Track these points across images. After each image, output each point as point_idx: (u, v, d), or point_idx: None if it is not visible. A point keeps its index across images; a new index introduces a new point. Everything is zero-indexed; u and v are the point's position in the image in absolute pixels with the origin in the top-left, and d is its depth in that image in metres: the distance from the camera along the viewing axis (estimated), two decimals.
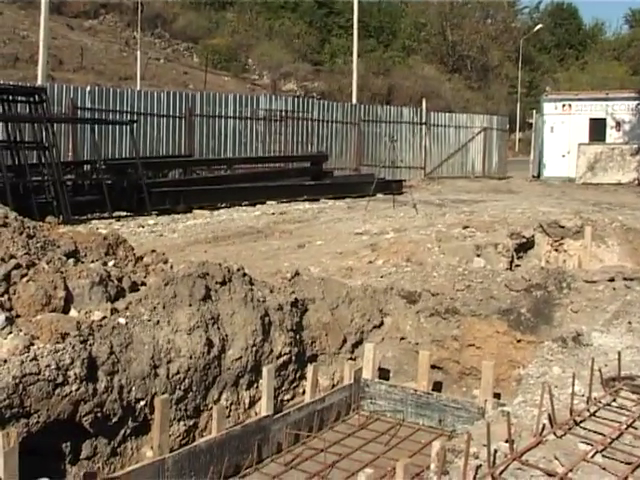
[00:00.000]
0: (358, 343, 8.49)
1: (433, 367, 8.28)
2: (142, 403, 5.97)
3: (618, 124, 35.54)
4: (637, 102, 35.36)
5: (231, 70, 57.61)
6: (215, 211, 17.79)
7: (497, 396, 7.63)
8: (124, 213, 16.59)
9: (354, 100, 35.54)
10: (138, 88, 35.56)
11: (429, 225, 14.33)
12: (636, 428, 5.30)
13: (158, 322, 6.41)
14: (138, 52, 43.96)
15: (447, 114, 35.99)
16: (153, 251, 8.38)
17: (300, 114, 28.55)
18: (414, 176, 30.78)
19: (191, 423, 6.46)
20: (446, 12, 70.74)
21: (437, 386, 8.39)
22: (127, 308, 6.40)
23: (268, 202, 19.42)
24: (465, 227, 13.69)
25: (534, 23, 70.53)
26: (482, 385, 7.48)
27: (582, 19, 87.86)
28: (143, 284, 7.08)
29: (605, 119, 35.60)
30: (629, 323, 8.42)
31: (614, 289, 10.36)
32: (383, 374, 8.43)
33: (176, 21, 60.07)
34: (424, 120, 33.13)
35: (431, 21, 71.69)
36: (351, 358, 8.36)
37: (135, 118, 22.28)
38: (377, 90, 54.96)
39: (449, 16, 70.50)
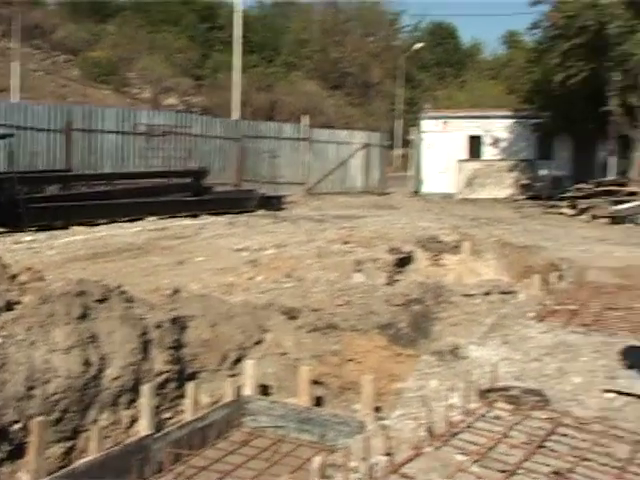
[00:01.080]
0: (239, 360, 8.48)
1: (314, 382, 8.33)
2: (17, 426, 5.84)
3: (495, 141, 36.58)
4: (513, 120, 36.48)
5: (112, 84, 56.70)
6: (94, 227, 17.49)
7: (378, 410, 7.73)
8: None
9: (236, 116, 35.50)
10: (15, 100, 34.76)
11: (309, 241, 14.42)
12: (511, 437, 5.46)
13: (34, 342, 6.28)
14: (15, 63, 42.92)
15: (328, 130, 36.28)
16: (29, 269, 8.20)
17: (181, 129, 28.34)
18: (295, 192, 30.85)
19: (69, 445, 6.34)
20: (328, 29, 71.41)
21: (319, 401, 8.44)
22: (2, 328, 6.26)
23: (149, 218, 19.21)
24: (345, 243, 13.82)
25: (415, 41, 71.71)
26: (362, 399, 7.56)
27: (461, 38, 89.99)
28: (18, 303, 6.93)
29: (482, 136, 36.58)
30: (504, 335, 8.67)
31: (490, 303, 10.65)
32: (264, 390, 8.44)
33: (55, 32, 58.85)
34: (305, 136, 33.30)
35: (314, 38, 72.22)
36: (232, 375, 8.34)
37: (11, 131, 21.73)
38: (259, 106, 54.94)
39: (331, 33, 71.19)
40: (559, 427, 5.76)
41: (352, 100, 69.07)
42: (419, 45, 66.91)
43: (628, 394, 6.73)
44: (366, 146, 35.64)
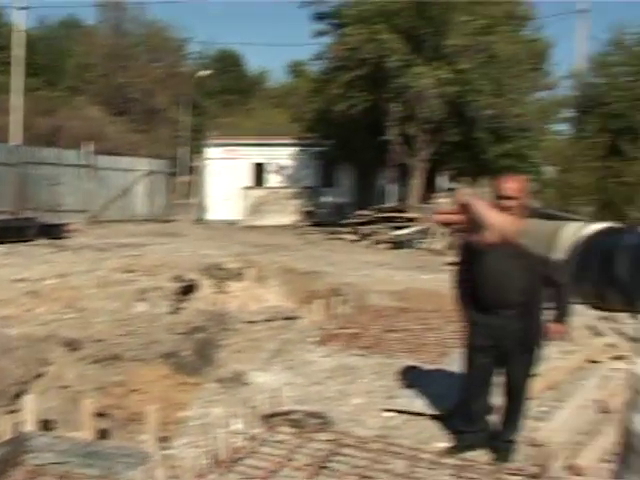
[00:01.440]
0: (19, 394, 8.24)
1: (99, 415, 8.20)
2: None
3: (279, 169, 37.16)
4: (296, 148, 37.19)
5: None
6: None
7: (164, 439, 7.70)
8: None
9: (16, 141, 34.38)
10: None
11: (92, 270, 14.13)
12: (294, 460, 5.60)
13: None
14: None
15: (113, 157, 35.59)
16: None
17: None
18: (78, 220, 30.10)
19: None
20: (112, 53, 70.42)
21: (104, 434, 8.31)
22: None
23: None
24: (128, 271, 13.67)
25: (201, 68, 71.76)
26: (147, 430, 7.52)
27: (247, 66, 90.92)
28: None
29: (267, 164, 37.08)
30: (287, 361, 8.85)
31: (274, 328, 10.84)
32: (47, 425, 8.22)
33: None
34: (89, 163, 32.63)
35: (98, 62, 70.99)
36: (12, 411, 8.08)
37: None
38: (42, 130, 53.34)
39: (116, 57, 70.23)
40: (340, 447, 5.96)
41: (137, 126, 68.22)
42: (205, 72, 67.06)
43: (406, 412, 7.04)
44: (150, 173, 35.29)
